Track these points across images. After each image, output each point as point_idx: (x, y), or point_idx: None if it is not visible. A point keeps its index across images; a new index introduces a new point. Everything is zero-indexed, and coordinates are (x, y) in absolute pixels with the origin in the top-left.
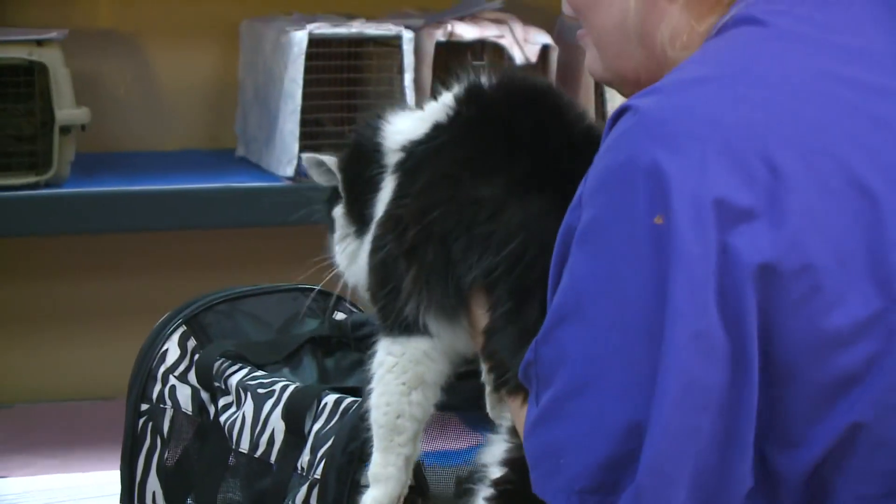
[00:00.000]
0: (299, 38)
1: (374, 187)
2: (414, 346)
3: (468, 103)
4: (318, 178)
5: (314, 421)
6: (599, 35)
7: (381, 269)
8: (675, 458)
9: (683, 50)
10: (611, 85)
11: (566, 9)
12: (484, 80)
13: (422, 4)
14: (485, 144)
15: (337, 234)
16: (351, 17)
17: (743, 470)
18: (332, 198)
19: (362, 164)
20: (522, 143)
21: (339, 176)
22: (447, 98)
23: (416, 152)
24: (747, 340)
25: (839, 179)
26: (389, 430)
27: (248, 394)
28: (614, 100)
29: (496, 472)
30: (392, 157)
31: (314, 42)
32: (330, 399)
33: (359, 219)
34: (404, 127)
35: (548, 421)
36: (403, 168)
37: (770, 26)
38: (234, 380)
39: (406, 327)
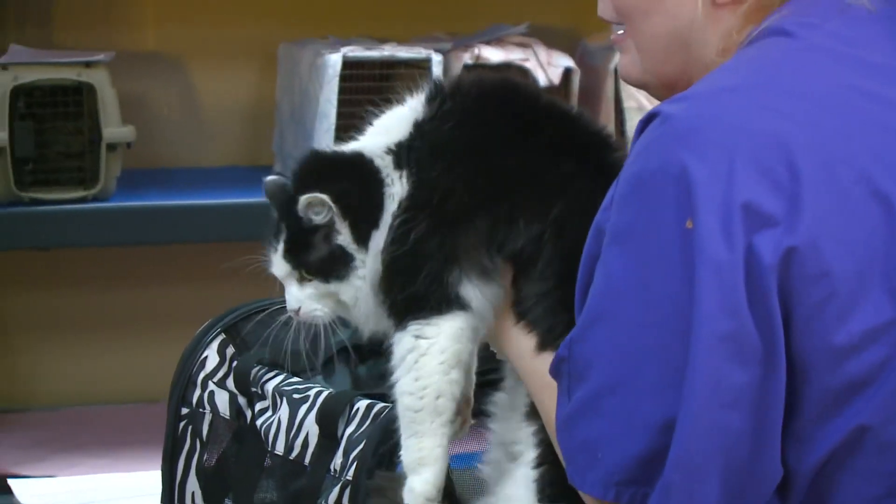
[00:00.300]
0: (334, 61)
1: (379, 188)
2: (450, 324)
3: (451, 97)
4: (314, 217)
5: (347, 425)
6: (648, 40)
7: (413, 250)
8: (703, 453)
9: (721, 56)
10: (645, 88)
11: (606, 13)
12: (445, 82)
13: (450, 29)
14: (487, 125)
15: (355, 262)
16: (383, 40)
17: (774, 461)
18: (307, 241)
19: (352, 179)
20: (523, 120)
21: (335, 207)
22: (412, 104)
23: (414, 146)
24: (777, 339)
25: (860, 189)
26: (429, 413)
27: (284, 399)
28: (633, 119)
29: (532, 452)
30: (383, 161)
31: (348, 64)
32: (362, 404)
33: (370, 229)
34: (369, 140)
35: (583, 417)
36: (410, 160)
37: (799, 39)
38: (270, 385)
39: (446, 303)
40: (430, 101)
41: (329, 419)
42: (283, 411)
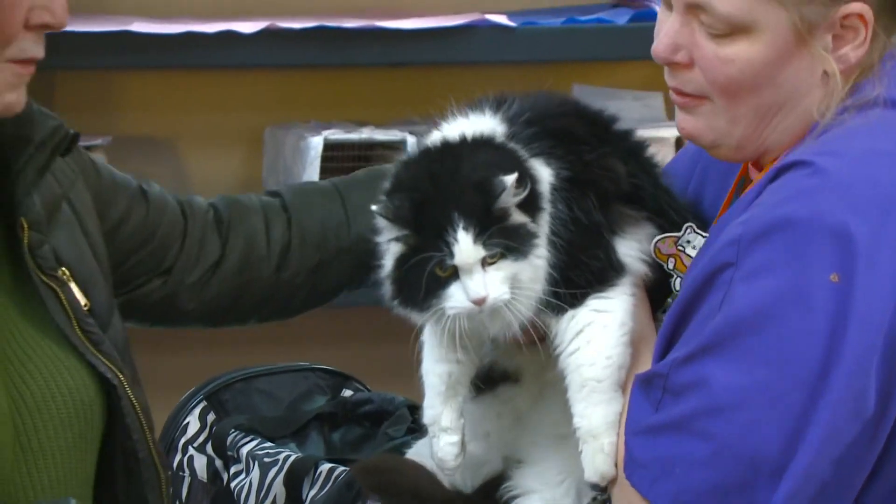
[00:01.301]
0: (315, 143)
1: (529, 172)
2: (623, 298)
3: (513, 102)
4: (512, 199)
5: (311, 487)
6: (750, 111)
7: (590, 225)
8: (798, 499)
9: (822, 117)
10: (714, 149)
11: (689, 86)
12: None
13: (425, 112)
14: (580, 119)
15: (536, 240)
16: (361, 123)
17: None
18: (494, 223)
19: (518, 163)
20: (594, 115)
21: (526, 186)
22: (473, 117)
23: (530, 136)
24: (891, 409)
25: None
26: (613, 383)
27: (256, 462)
28: None
29: None
30: (516, 147)
31: (329, 146)
32: (325, 467)
33: (538, 211)
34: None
35: (670, 430)
36: (537, 148)
37: None
38: (245, 449)
39: (619, 274)
40: (498, 106)
41: (294, 481)
42: (255, 474)
